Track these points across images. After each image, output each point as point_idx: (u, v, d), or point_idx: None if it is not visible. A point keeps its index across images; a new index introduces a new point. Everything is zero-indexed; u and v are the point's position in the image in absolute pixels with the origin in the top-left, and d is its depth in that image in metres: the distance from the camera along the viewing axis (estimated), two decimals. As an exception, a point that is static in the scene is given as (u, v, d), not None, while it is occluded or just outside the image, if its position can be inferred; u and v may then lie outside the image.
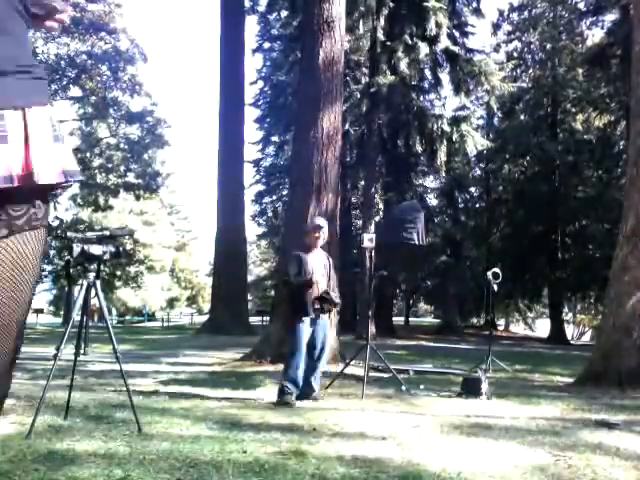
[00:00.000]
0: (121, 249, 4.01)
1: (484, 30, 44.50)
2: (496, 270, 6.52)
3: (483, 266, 22.02)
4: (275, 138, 28.91)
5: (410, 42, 17.69)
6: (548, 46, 26.73)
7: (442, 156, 18.04)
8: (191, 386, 5.94)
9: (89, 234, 3.91)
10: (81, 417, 4.13)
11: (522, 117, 27.33)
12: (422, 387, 6.18)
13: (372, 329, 12.01)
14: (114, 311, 38.45)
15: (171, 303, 48.58)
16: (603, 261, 19.41)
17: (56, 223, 25.59)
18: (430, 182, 26.06)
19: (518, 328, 35.62)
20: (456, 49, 18.41)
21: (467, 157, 20.09)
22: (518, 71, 26.99)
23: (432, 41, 17.60)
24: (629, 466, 3.22)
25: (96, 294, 3.82)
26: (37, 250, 1.35)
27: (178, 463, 3.02)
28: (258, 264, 48.65)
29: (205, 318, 23.98)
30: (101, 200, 30.02)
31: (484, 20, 21.49)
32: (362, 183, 20.50)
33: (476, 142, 18.17)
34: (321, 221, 5.41)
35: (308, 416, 4.45)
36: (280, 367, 7.96)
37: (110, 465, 2.94)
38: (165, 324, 34.18)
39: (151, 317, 42.53)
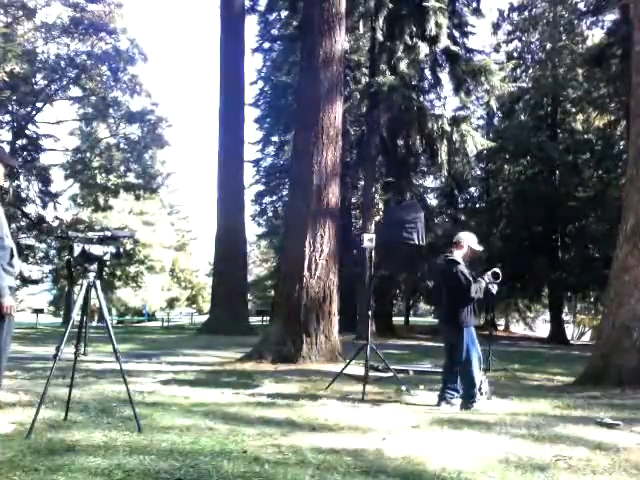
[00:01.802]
0: (121, 250, 4.01)
1: (484, 30, 44.62)
2: (496, 270, 6.47)
3: (483, 266, 21.98)
4: (275, 138, 28.85)
5: (410, 42, 17.65)
6: (548, 46, 26.70)
7: (442, 156, 17.97)
8: (191, 386, 5.93)
9: (90, 234, 3.91)
10: (81, 417, 4.14)
11: (522, 117, 27.29)
12: (422, 387, 6.18)
13: (372, 329, 11.99)
14: (114, 311, 38.42)
15: (171, 303, 48.54)
16: (603, 261, 19.38)
17: (56, 223, 25.58)
18: (430, 182, 26.05)
19: (518, 328, 35.58)
20: (456, 49, 18.36)
21: (467, 157, 19.96)
22: (518, 71, 26.93)
23: (432, 41, 17.55)
24: (629, 466, 3.22)
25: (96, 294, 3.83)
26: None
27: (178, 463, 3.03)
28: (258, 264, 48.59)
29: (205, 318, 23.96)
30: (101, 200, 30.09)
31: (484, 20, 21.46)
32: (362, 183, 20.46)
33: (476, 142, 18.11)
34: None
35: (308, 416, 4.45)
36: (280, 367, 8.00)
37: (110, 465, 2.94)
38: (165, 324, 34.19)
39: (151, 317, 42.53)
